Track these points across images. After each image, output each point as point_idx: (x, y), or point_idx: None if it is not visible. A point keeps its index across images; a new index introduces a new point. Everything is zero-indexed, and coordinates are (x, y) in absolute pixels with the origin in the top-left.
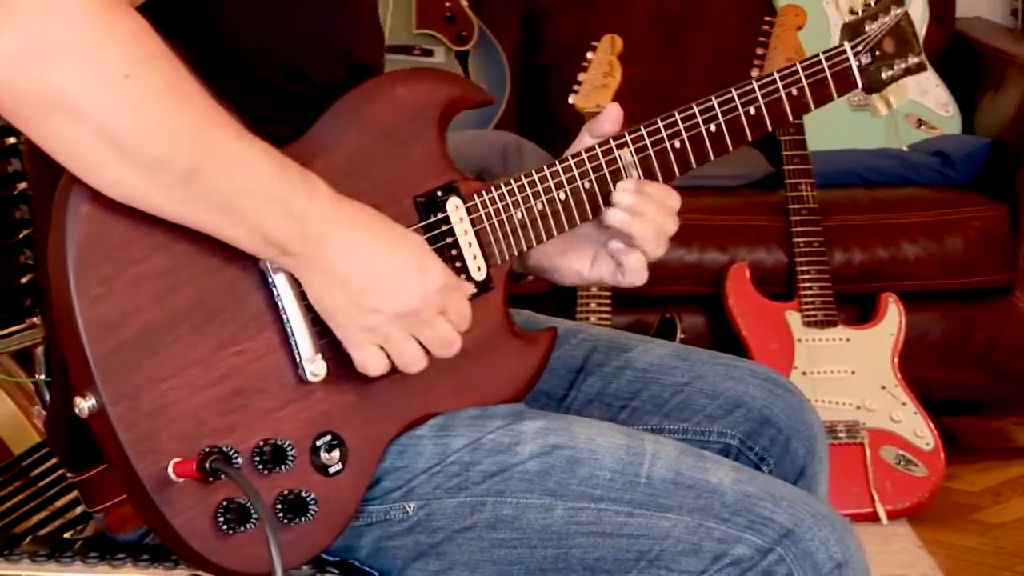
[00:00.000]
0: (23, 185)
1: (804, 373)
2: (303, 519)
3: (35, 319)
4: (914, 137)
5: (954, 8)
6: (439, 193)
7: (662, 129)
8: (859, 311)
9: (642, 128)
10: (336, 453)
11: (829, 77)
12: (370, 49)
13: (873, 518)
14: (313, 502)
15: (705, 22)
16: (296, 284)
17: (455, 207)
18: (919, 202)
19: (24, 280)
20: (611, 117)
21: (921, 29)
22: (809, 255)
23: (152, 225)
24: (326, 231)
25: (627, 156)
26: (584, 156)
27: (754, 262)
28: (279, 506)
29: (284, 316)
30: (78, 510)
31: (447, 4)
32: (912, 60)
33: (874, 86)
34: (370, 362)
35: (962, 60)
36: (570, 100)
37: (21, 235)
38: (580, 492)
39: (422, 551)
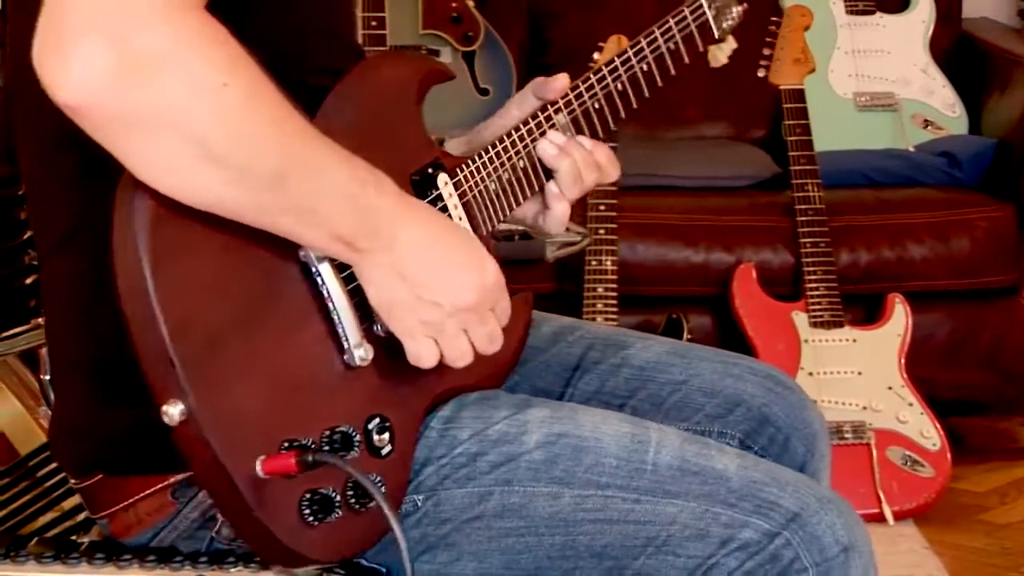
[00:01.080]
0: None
1: (811, 374)
2: (373, 502)
3: (40, 319)
4: (920, 138)
5: (960, 8)
6: (429, 170)
7: (583, 92)
8: (865, 312)
9: (570, 93)
10: (386, 435)
11: (694, 30)
12: (355, 31)
13: (879, 519)
14: (380, 484)
15: None
16: (339, 272)
17: (444, 182)
18: (926, 203)
19: (28, 281)
20: (557, 88)
21: (928, 29)
22: (816, 255)
23: (210, 224)
24: (395, 227)
25: (562, 119)
26: (532, 123)
27: (760, 262)
28: (351, 492)
29: (331, 304)
30: (83, 515)
31: (453, 4)
32: (737, 9)
33: (720, 36)
34: (424, 354)
35: (968, 60)
36: None
37: (25, 236)
38: (586, 480)
39: (430, 543)
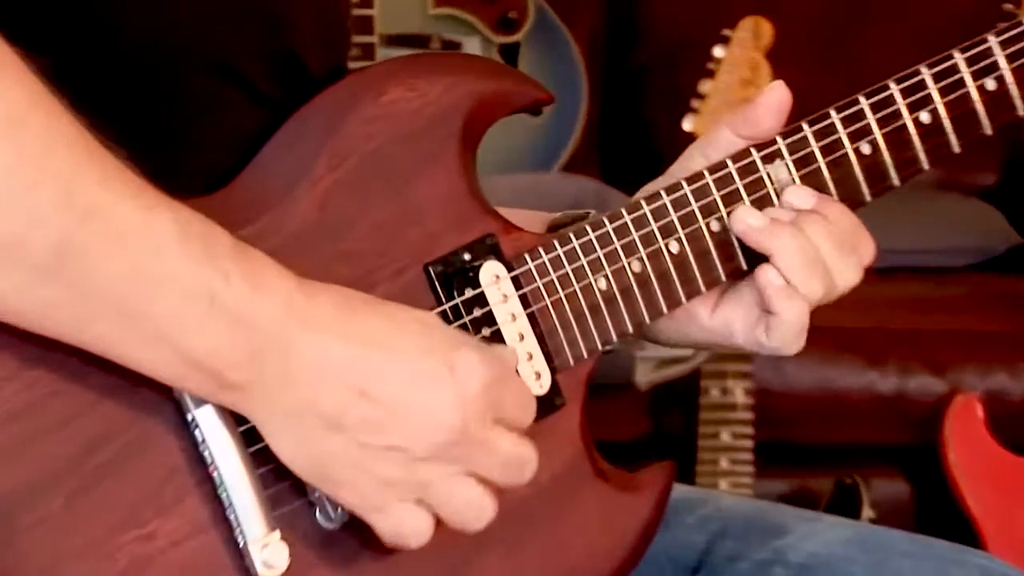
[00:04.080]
0: None
1: None
2: None
3: None
4: None
5: None
6: (466, 256)
7: (838, 125)
8: None
9: (805, 127)
10: None
11: None
12: (331, 36)
13: None
14: None
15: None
16: (232, 419)
17: (494, 277)
18: None
19: None
20: (772, 105)
21: None
22: None
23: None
24: (289, 340)
25: (782, 173)
26: (709, 179)
27: (990, 392)
28: None
29: (216, 474)
30: None
31: None
32: None
33: None
34: (407, 528)
35: None
36: (686, 125)
37: None
38: None
39: None
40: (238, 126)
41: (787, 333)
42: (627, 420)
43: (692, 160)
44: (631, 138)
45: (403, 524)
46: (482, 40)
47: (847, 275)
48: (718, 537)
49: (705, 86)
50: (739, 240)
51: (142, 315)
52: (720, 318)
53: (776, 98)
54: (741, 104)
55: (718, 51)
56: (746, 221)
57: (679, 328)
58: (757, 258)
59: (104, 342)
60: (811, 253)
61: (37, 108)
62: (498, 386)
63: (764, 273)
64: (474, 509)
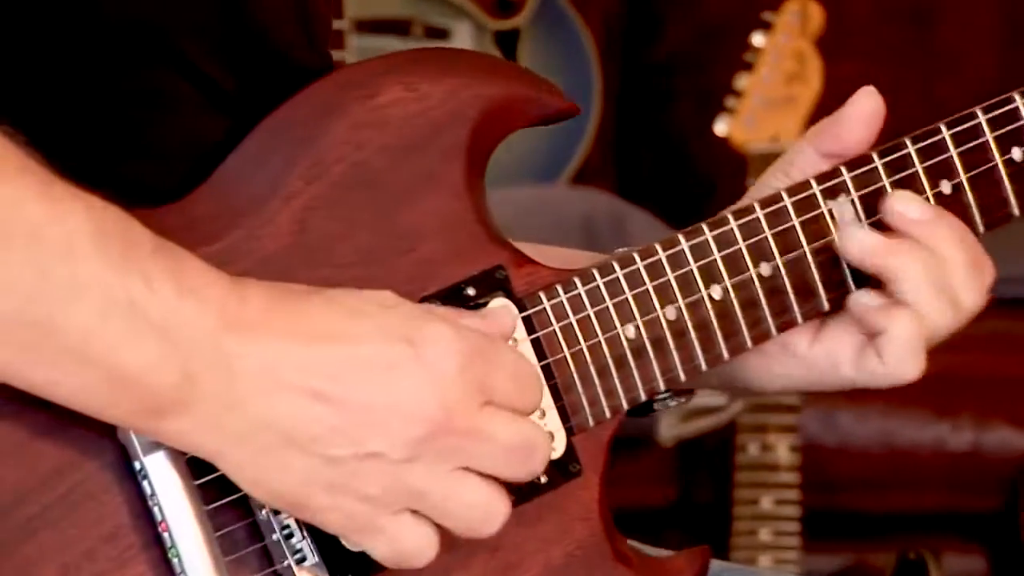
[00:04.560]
0: None
1: None
2: None
3: None
4: None
5: None
6: (470, 291)
7: (914, 158)
8: None
9: (875, 158)
10: None
11: None
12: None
13: None
14: None
15: None
16: (188, 469)
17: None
18: None
19: None
20: (860, 115)
21: None
22: None
23: None
24: (225, 350)
25: (846, 211)
26: (759, 213)
27: None
28: None
29: (167, 535)
30: None
31: None
32: None
33: None
34: (407, 545)
35: None
36: (719, 128)
37: None
38: None
39: None
40: (194, 129)
41: (902, 351)
42: (649, 483)
43: (774, 179)
44: (652, 144)
45: (401, 542)
46: (474, 26)
47: (974, 297)
48: None
49: (742, 81)
50: (800, 290)
51: (52, 329)
52: (822, 348)
53: (866, 107)
54: (786, 104)
55: (758, 39)
56: (860, 241)
57: (766, 366)
58: (837, 298)
59: (9, 366)
60: (937, 271)
61: None
62: (481, 360)
63: (856, 298)
64: (479, 510)
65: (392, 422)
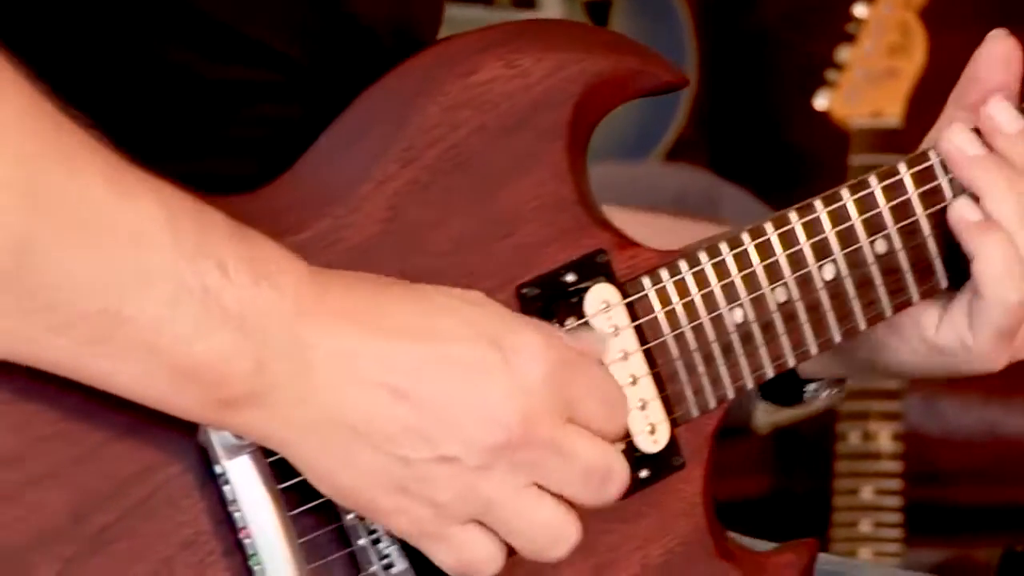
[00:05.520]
0: None
1: None
2: None
3: None
4: None
5: None
6: (570, 276)
7: None
8: None
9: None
10: None
11: None
12: None
13: None
14: None
15: None
16: (272, 473)
17: (603, 304)
18: None
19: None
20: (994, 56)
21: None
22: None
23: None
24: (302, 339)
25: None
26: (876, 187)
27: None
28: None
29: (249, 542)
30: None
31: None
32: None
33: None
34: (474, 556)
35: None
36: (819, 103)
37: None
38: None
39: None
40: (272, 120)
41: (997, 272)
42: (744, 472)
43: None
44: (748, 120)
45: (467, 552)
46: None
47: None
48: None
49: (843, 54)
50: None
51: (120, 322)
52: (949, 328)
53: (997, 49)
54: (889, 77)
55: (860, 10)
56: (944, 146)
57: (895, 346)
58: (959, 275)
59: (73, 357)
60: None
61: None
62: (569, 375)
63: (955, 206)
64: (549, 531)
65: (470, 427)
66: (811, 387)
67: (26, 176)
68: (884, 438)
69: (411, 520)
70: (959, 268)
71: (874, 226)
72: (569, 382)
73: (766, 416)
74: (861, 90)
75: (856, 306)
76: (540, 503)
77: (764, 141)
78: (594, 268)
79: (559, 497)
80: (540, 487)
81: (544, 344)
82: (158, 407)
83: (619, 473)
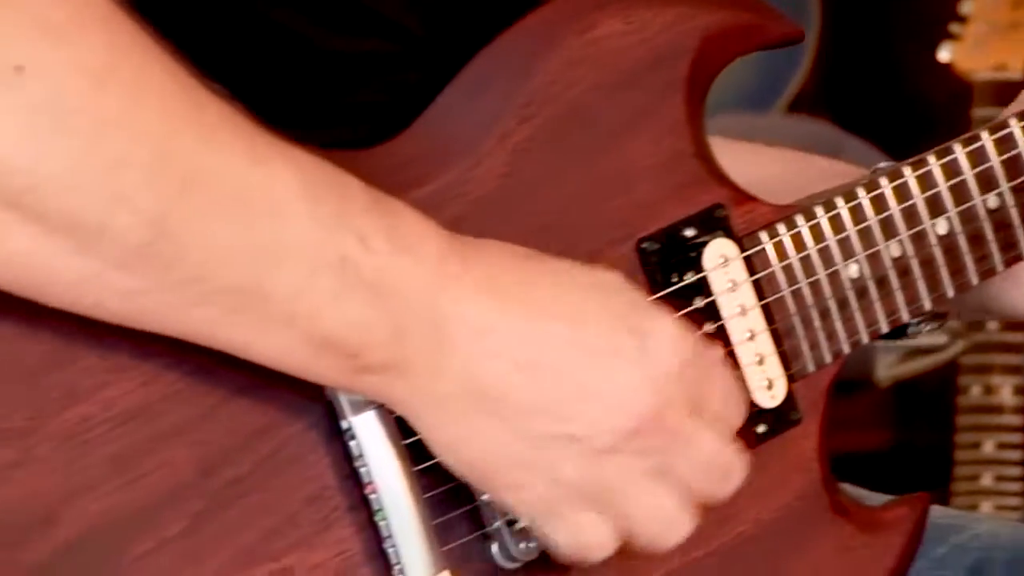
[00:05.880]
0: None
1: None
2: None
3: None
4: None
5: None
6: (688, 231)
7: None
8: None
9: None
10: None
11: None
12: None
13: None
14: None
15: None
16: (398, 429)
17: (721, 258)
18: None
19: None
20: None
21: None
22: None
23: (94, 336)
24: (440, 311)
25: None
26: (986, 140)
27: None
28: None
29: (374, 497)
30: None
31: None
32: None
33: None
34: (591, 540)
35: None
36: (942, 55)
37: None
38: None
39: None
40: (390, 87)
41: None
42: (865, 426)
43: None
44: (870, 72)
45: (584, 534)
46: None
47: None
48: (976, 573)
49: (967, 6)
50: None
51: (258, 294)
52: None
53: None
54: (1014, 29)
55: None
56: None
57: (1008, 290)
58: None
59: (211, 328)
60: None
61: (125, 57)
62: (700, 367)
63: None
64: (665, 520)
65: (602, 409)
66: (915, 322)
67: (163, 148)
68: (1007, 392)
69: (531, 497)
70: None
71: (986, 181)
72: (701, 376)
73: (887, 370)
74: (985, 43)
75: (968, 261)
76: (659, 491)
77: (887, 93)
78: (712, 222)
79: (678, 487)
80: (661, 474)
81: (679, 334)
82: (295, 375)
83: (739, 471)
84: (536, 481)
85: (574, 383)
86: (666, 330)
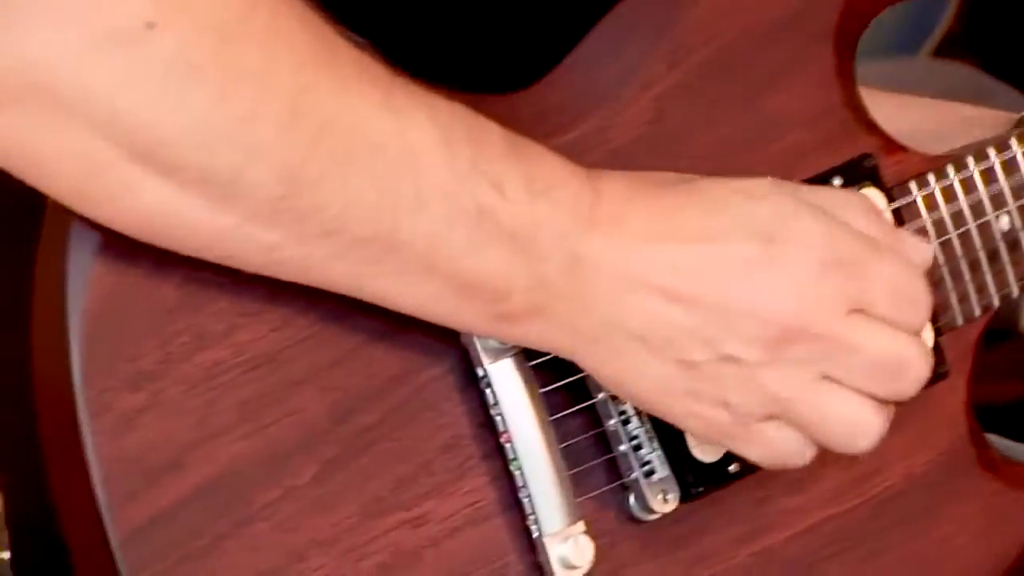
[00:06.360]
0: None
1: None
2: None
3: None
4: None
5: None
6: (837, 181)
7: None
8: None
9: None
10: None
11: None
12: None
13: None
14: None
15: None
16: (535, 377)
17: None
18: None
19: None
20: None
21: None
22: None
23: (225, 280)
24: (578, 252)
25: None
26: None
27: None
28: None
29: (510, 446)
30: None
31: None
32: None
33: None
34: (782, 450)
35: None
36: None
37: None
38: None
39: None
40: (527, 29)
41: None
42: (1009, 376)
43: None
44: (1019, 16)
45: (775, 447)
46: None
47: None
48: None
49: None
50: None
51: (397, 243)
52: None
53: None
54: None
55: None
56: None
57: None
58: None
59: (351, 279)
60: None
61: (257, 8)
62: (851, 266)
63: None
64: (848, 423)
65: (746, 323)
66: None
67: (296, 101)
68: None
69: (708, 423)
70: None
71: None
72: (855, 273)
73: None
74: None
75: None
76: (831, 396)
77: None
78: (861, 172)
79: (851, 392)
80: (827, 379)
81: (824, 235)
82: (441, 323)
83: (913, 363)
84: (707, 407)
85: (715, 303)
86: (808, 231)
